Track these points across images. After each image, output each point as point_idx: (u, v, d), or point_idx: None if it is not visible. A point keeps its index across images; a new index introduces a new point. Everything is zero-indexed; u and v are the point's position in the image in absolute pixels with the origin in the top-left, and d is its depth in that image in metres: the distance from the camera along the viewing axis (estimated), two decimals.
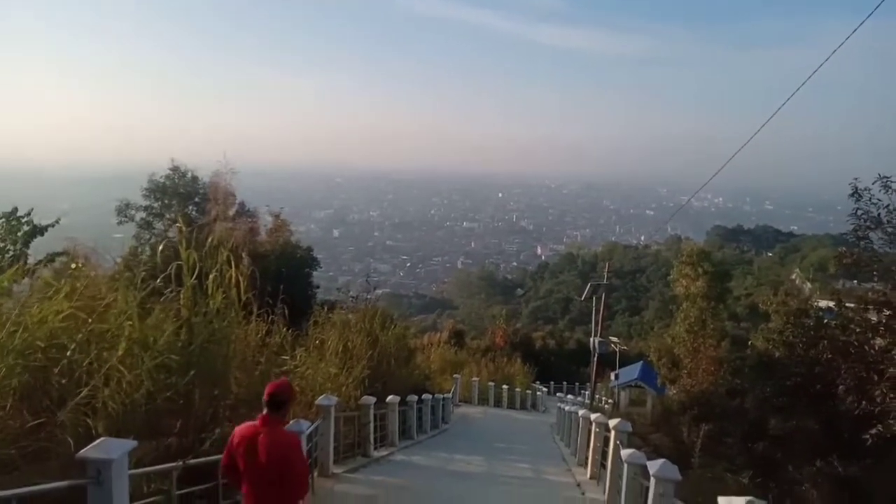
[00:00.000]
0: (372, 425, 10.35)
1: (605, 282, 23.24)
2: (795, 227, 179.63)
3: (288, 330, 10.48)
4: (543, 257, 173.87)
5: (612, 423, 9.11)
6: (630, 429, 9.17)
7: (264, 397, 4.01)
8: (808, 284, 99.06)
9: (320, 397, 8.10)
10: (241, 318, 7.66)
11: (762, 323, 22.23)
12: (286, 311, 10.64)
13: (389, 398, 11.92)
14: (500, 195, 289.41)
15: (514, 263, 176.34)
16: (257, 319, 10.10)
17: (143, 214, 16.25)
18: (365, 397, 10.43)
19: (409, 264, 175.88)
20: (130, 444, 4.30)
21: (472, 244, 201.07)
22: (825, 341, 11.68)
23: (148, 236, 16.01)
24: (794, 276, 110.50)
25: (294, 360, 9.53)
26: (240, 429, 4.08)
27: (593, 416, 11.27)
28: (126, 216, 15.91)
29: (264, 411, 4.00)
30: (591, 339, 23.65)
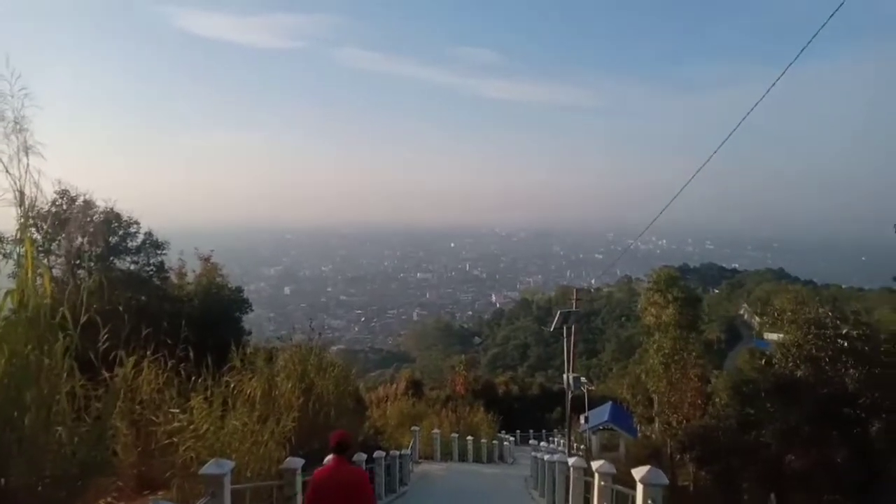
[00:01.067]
0: (300, 497, 7.64)
1: (574, 309, 21.23)
2: (737, 265, 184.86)
3: (194, 379, 8.01)
4: (498, 304, 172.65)
5: (595, 465, 8.10)
6: (614, 470, 8.03)
7: (332, 443, 5.49)
8: (756, 318, 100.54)
9: (208, 464, 5.50)
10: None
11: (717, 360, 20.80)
12: (197, 357, 8.26)
13: (328, 458, 9.17)
14: (452, 245, 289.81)
15: (470, 312, 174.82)
16: (151, 367, 7.72)
17: (21, 249, 13.37)
18: (290, 459, 7.75)
19: (363, 319, 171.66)
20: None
21: (427, 295, 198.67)
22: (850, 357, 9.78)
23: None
24: (742, 311, 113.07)
25: (184, 414, 6.95)
26: (319, 471, 5.60)
27: (571, 461, 9.85)
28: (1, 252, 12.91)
29: (332, 455, 5.55)
30: (565, 376, 21.39)
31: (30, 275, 4.42)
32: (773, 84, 8.86)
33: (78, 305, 5.43)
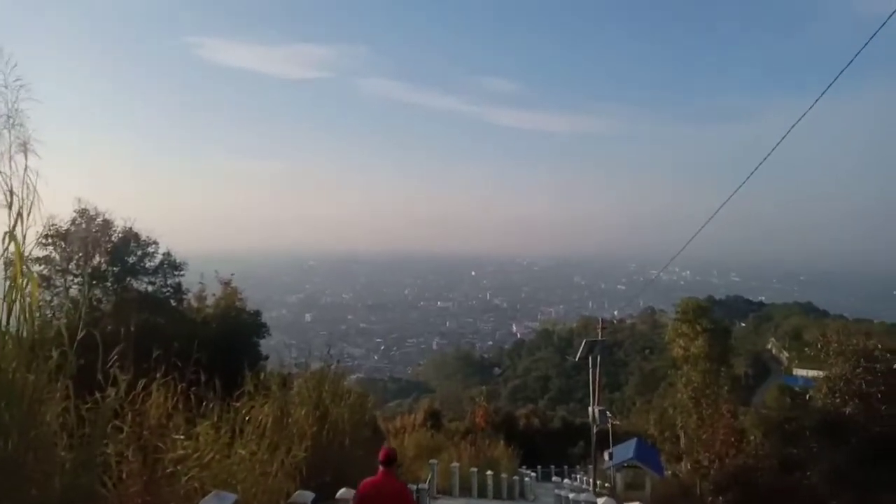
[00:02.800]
0: None
1: (600, 338, 20.49)
2: (763, 297, 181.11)
3: (204, 404, 7.59)
4: (519, 335, 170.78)
5: None
6: None
7: (380, 458, 6.15)
8: (785, 353, 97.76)
9: (207, 497, 5.04)
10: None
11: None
12: (209, 381, 7.88)
13: (341, 492, 8.61)
14: (473, 273, 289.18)
15: (490, 342, 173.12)
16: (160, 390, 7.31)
17: (39, 268, 13.21)
18: (300, 493, 7.25)
19: (383, 347, 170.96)
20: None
21: (447, 324, 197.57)
22: None
23: (48, 297, 12.95)
24: (769, 346, 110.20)
25: (190, 441, 6.50)
26: (366, 482, 6.14)
27: (601, 501, 9.18)
28: None
29: (381, 468, 6.10)
30: (590, 408, 20.55)
31: (18, 282, 4.06)
32: (803, 116, 8.86)
33: (90, 325, 5.10)
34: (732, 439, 17.06)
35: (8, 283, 4.06)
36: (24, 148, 4.09)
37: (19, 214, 4.06)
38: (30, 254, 4.18)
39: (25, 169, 4.13)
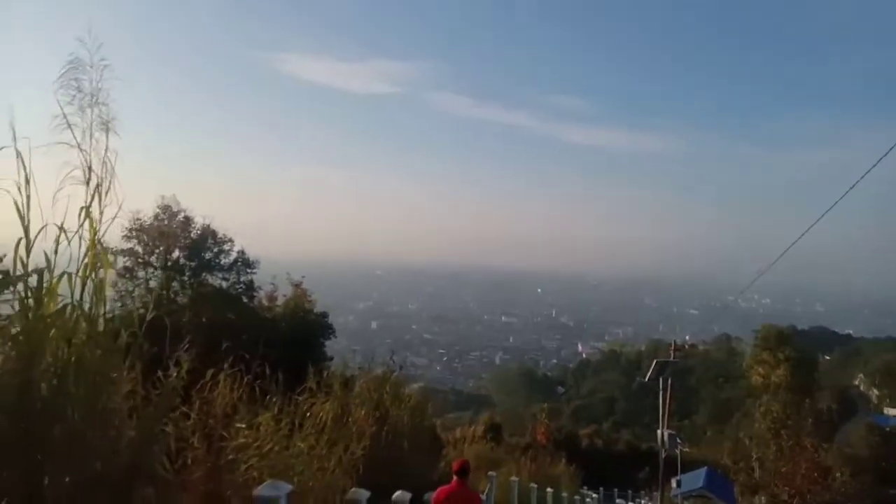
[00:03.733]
0: None
1: (672, 359, 19.59)
2: (851, 330, 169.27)
3: (268, 397, 7.68)
4: (584, 354, 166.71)
5: None
6: None
7: (455, 468, 7.25)
8: (875, 391, 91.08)
9: (262, 485, 4.99)
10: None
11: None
12: (272, 376, 7.99)
13: (397, 494, 8.49)
14: (539, 290, 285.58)
15: (555, 360, 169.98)
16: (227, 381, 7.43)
17: (124, 259, 13.92)
18: (356, 490, 7.17)
19: (445, 358, 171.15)
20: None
21: (511, 339, 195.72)
22: None
23: (131, 287, 13.62)
24: (857, 382, 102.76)
25: (251, 431, 6.55)
26: (442, 489, 7.10)
27: None
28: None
29: (455, 478, 7.08)
30: (659, 432, 19.67)
31: (93, 257, 4.14)
32: (892, 149, 8.55)
33: (167, 315, 5.21)
34: (816, 475, 15.86)
35: (84, 260, 4.15)
36: (106, 127, 4.19)
37: (97, 192, 4.16)
38: (105, 232, 4.24)
39: (106, 149, 4.24)
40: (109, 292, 4.73)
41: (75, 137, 4.04)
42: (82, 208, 4.05)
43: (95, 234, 4.12)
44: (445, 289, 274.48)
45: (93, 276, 4.14)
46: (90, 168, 4.09)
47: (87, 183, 4.10)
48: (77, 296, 4.08)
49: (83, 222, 4.07)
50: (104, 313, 4.37)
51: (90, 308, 4.31)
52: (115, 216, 4.23)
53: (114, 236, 14.99)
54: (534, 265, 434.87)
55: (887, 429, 29.54)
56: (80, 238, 4.08)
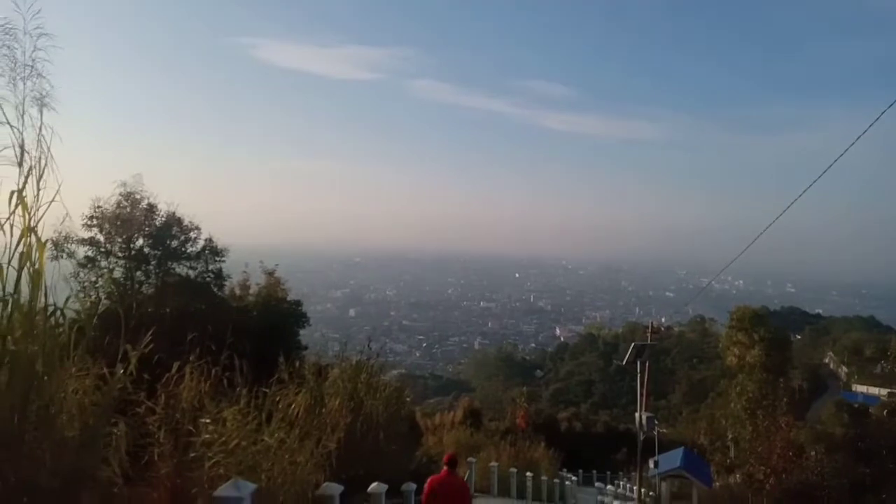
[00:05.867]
0: None
1: (650, 342, 19.65)
2: (821, 310, 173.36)
3: (238, 389, 7.34)
4: (562, 338, 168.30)
5: None
6: None
7: (445, 460, 7.86)
8: (844, 368, 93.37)
9: (224, 485, 4.70)
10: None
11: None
12: (240, 368, 7.63)
13: (373, 486, 8.24)
14: (517, 275, 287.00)
15: (533, 344, 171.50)
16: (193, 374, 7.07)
17: (85, 249, 13.34)
18: (328, 485, 6.90)
19: (425, 344, 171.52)
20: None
21: (490, 324, 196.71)
22: None
23: (93, 278, 13.06)
24: (826, 360, 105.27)
25: (216, 426, 6.24)
26: (434, 478, 7.76)
27: None
28: (63, 251, 12.86)
29: (445, 468, 7.72)
30: (636, 414, 19.77)
31: (27, 248, 3.77)
32: (866, 130, 8.71)
33: (132, 307, 4.85)
34: (791, 454, 16.03)
35: (18, 249, 3.77)
36: (41, 102, 3.80)
37: (30, 174, 3.78)
38: (41, 218, 3.85)
39: (41, 126, 3.85)
40: (72, 284, 4.37)
41: (4, 114, 3.63)
42: (13, 192, 3.66)
43: (30, 220, 3.74)
44: (423, 276, 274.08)
45: (28, 266, 3.76)
46: (23, 148, 3.70)
47: (20, 164, 3.71)
48: (10, 288, 3.72)
49: (15, 208, 3.69)
50: (45, 306, 4.02)
51: (30, 301, 3.96)
52: (53, 200, 3.84)
53: (74, 226, 14.44)
54: (512, 251, 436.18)
55: (856, 405, 30.14)
56: (11, 225, 3.69)
